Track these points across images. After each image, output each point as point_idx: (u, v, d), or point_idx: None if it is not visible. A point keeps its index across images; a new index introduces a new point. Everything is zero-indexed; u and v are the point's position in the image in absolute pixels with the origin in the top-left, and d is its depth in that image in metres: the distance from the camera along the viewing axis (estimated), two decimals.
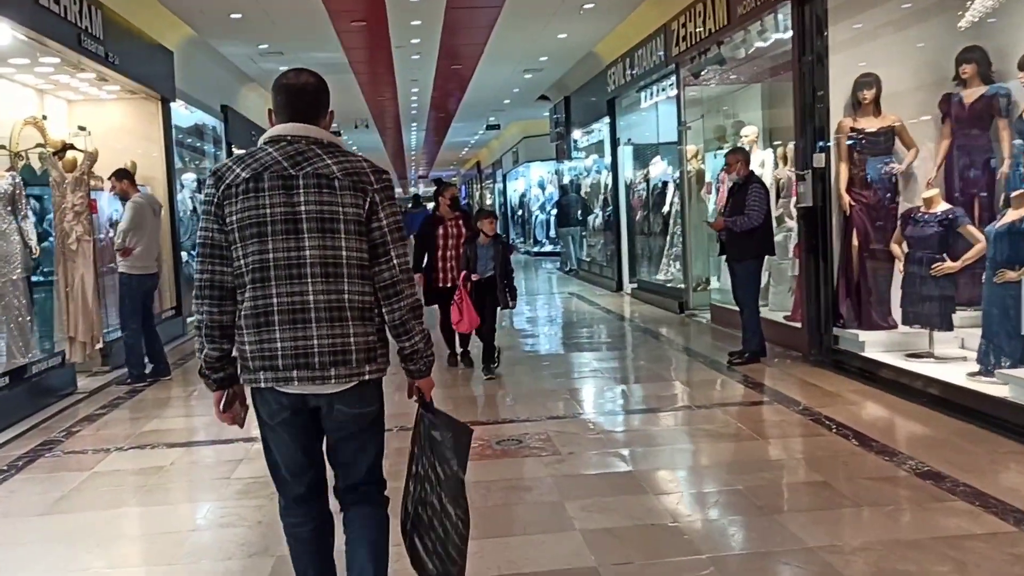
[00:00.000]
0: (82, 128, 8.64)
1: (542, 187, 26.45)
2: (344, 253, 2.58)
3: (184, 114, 12.48)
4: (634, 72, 12.56)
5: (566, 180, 18.81)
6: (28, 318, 7.35)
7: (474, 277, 7.42)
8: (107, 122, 10.27)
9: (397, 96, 18.38)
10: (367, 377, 2.61)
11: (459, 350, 8.21)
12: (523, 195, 28.19)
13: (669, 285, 12.02)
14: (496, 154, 33.75)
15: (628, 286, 14.11)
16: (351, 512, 2.78)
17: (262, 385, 2.60)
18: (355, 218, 2.58)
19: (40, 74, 9.06)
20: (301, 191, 2.56)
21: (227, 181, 2.59)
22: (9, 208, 7.29)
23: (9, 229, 7.23)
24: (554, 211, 21.16)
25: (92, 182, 9.14)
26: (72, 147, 8.42)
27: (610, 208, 15.54)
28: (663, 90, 12.13)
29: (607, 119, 14.66)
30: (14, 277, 7.22)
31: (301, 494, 2.77)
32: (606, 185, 15.85)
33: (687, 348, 8.97)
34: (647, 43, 11.87)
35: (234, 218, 2.56)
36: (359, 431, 2.70)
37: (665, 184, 12.83)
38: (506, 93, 18.71)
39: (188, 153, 13.31)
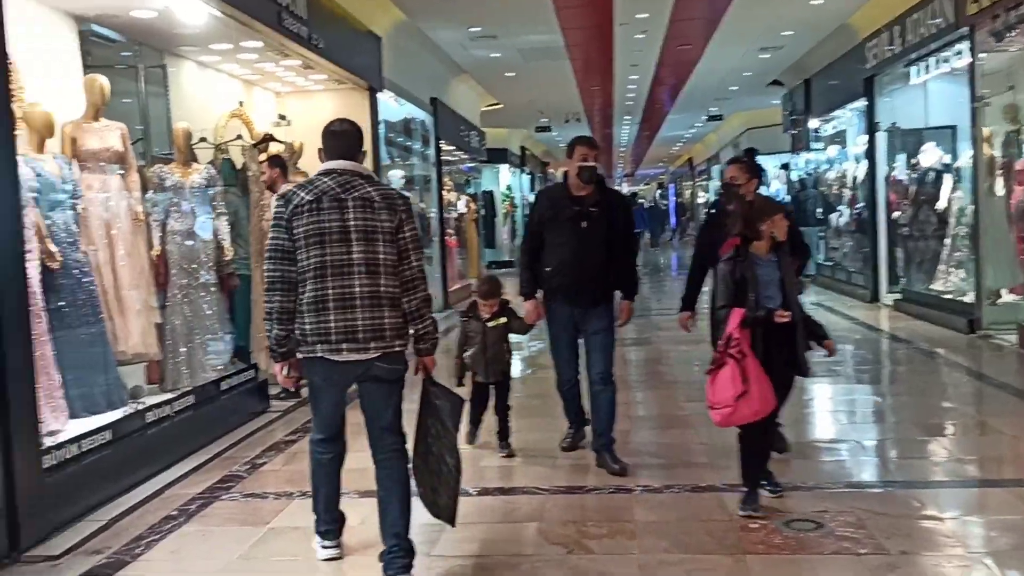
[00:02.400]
0: (282, 117, 7.90)
1: (766, 183, 24.31)
2: (380, 256, 3.48)
3: (392, 107, 11.71)
4: (905, 42, 10.50)
5: (799, 174, 16.70)
6: (219, 327, 6.59)
7: (781, 317, 4.05)
8: (315, 115, 9.57)
9: (613, 85, 17.04)
10: (396, 348, 3.52)
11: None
12: None
13: (949, 297, 9.91)
14: (712, 148, 31.67)
15: (887, 296, 12.01)
16: (383, 470, 3.62)
17: (318, 355, 3.47)
18: (388, 231, 3.51)
19: (244, 62, 8.42)
20: (350, 210, 3.47)
21: (294, 203, 3.49)
22: (203, 204, 6.56)
23: (201, 226, 6.49)
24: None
25: (295, 177, 8.47)
26: (272, 139, 7.68)
27: (861, 204, 13.44)
28: (944, 61, 10.04)
29: (862, 101, 12.59)
30: (204, 280, 6.47)
31: (331, 435, 3.74)
32: (855, 178, 13.76)
33: (998, 383, 6.99)
34: (924, 6, 9.83)
35: (300, 230, 3.46)
36: (388, 386, 3.57)
37: (939, 175, 10.69)
38: (734, 78, 16.89)
39: (396, 149, 12.58)
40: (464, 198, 17.33)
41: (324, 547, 3.87)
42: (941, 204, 10.59)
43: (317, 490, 3.81)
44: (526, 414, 5.99)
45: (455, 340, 5.66)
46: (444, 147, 14.73)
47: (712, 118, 21.83)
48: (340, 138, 3.67)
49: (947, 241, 10.19)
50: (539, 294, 5.14)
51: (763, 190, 18.34)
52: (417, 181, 13.44)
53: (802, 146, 16.25)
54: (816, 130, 15.65)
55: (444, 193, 14.70)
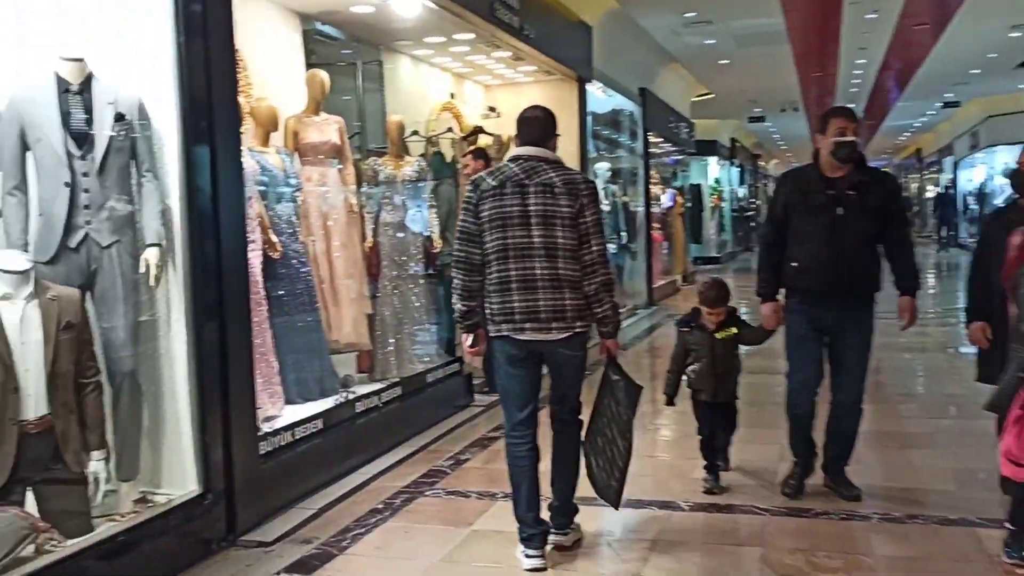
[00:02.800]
0: (492, 109, 7.85)
1: (1008, 176, 22.04)
2: (559, 241, 3.55)
3: (599, 98, 11.46)
4: None
5: None
6: (426, 319, 6.60)
7: None
8: (523, 107, 9.53)
9: (836, 71, 15.95)
10: (578, 330, 3.62)
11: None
12: (981, 186, 23.74)
13: None
14: (945, 138, 29.18)
15: None
16: (558, 438, 3.84)
17: (503, 333, 3.62)
18: (568, 215, 3.55)
19: (456, 55, 8.46)
20: (531, 195, 3.56)
21: (481, 188, 3.63)
22: (414, 196, 6.60)
23: (411, 219, 6.53)
24: None
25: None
26: (482, 131, 7.64)
27: None
28: None
29: None
30: (413, 272, 6.50)
31: (522, 419, 3.73)
32: None
33: None
34: None
35: (485, 214, 3.60)
36: (571, 368, 3.75)
37: None
38: (977, 60, 15.35)
39: (603, 141, 12.33)
40: (670, 191, 16.86)
41: (528, 556, 3.67)
42: None
43: (517, 489, 3.72)
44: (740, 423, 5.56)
45: (661, 348, 5.32)
46: (652, 139, 14.34)
47: (947, 105, 20.04)
48: (529, 124, 3.74)
49: None
50: (780, 295, 4.44)
51: (1005, 183, 16.70)
52: (624, 174, 13.14)
53: None
54: None
55: (651, 186, 14.32)
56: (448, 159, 7.77)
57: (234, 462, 4.01)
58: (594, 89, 10.82)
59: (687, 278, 17.55)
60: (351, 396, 5.44)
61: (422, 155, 7.30)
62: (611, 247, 12.11)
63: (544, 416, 3.84)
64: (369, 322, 6.29)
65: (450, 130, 7.65)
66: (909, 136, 32.27)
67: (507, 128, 8.06)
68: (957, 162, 26.90)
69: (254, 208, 5.18)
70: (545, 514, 3.77)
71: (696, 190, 21.39)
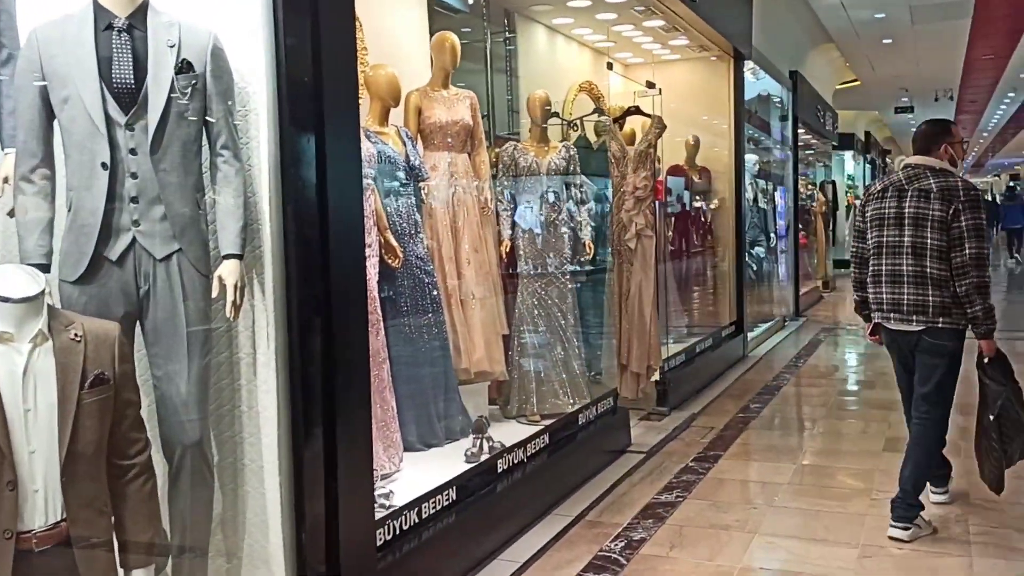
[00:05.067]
0: (651, 85, 6.49)
1: None
2: (928, 242, 3.78)
3: (748, 80, 9.95)
4: None
5: None
6: (578, 345, 5.32)
7: None
8: (670, 89, 8.14)
9: (1013, 51, 13.96)
10: (940, 325, 3.78)
11: None
12: None
13: None
14: None
15: None
16: (913, 429, 4.06)
17: (878, 320, 4.01)
18: (939, 219, 3.75)
19: (600, 24, 7.18)
20: (908, 200, 3.85)
21: (869, 191, 4.11)
22: (561, 189, 5.32)
23: (560, 218, 5.26)
24: None
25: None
26: (638, 111, 6.31)
27: None
28: None
29: None
30: (560, 284, 5.23)
31: (903, 397, 4.17)
32: None
33: None
34: None
35: (868, 214, 4.00)
36: (931, 359, 3.87)
37: None
38: None
39: (752, 129, 10.81)
40: (811, 188, 15.18)
41: (934, 491, 4.29)
42: None
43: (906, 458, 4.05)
44: None
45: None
46: (800, 132, 12.72)
47: None
48: (917, 136, 4.01)
49: None
50: None
51: None
52: (773, 167, 11.59)
53: None
54: None
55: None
56: (594, 147, 6.49)
57: (342, 563, 2.80)
58: (745, 70, 9.35)
59: (828, 284, 15.81)
60: (491, 448, 4.20)
61: (563, 140, 6.03)
62: (760, 251, 10.63)
63: None
64: (505, 345, 5.07)
65: (599, 111, 6.34)
66: None
67: (667, 110, 6.69)
68: None
69: (370, 204, 4.01)
70: (925, 496, 4.09)
71: (832, 187, 19.49)
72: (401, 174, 4.39)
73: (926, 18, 11.23)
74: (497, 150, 5.35)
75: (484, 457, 4.14)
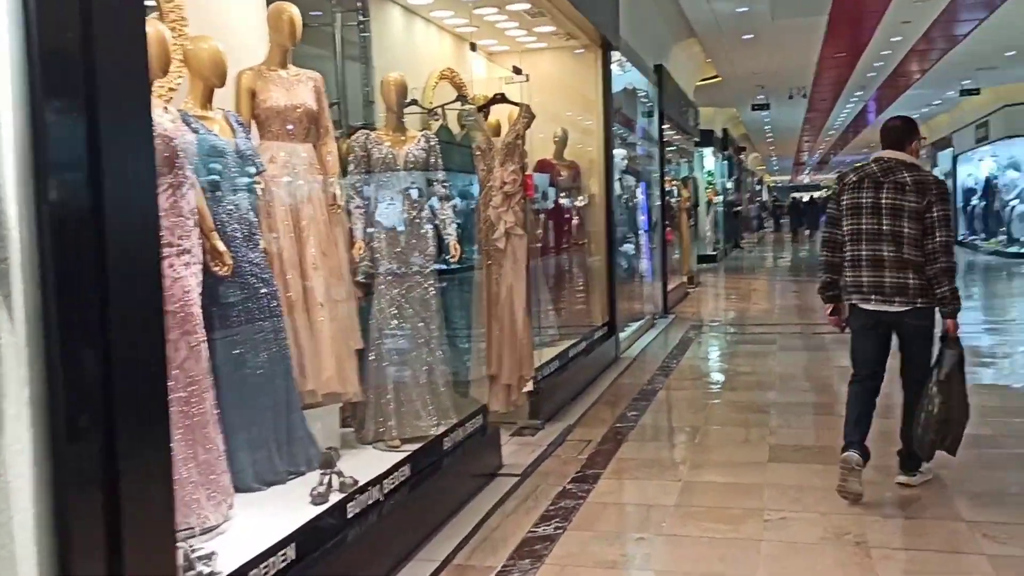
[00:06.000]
0: (518, 71, 6.00)
1: (1017, 168, 20.65)
2: (905, 230, 4.15)
3: (615, 72, 9.63)
4: None
5: None
6: (443, 357, 4.76)
7: None
8: (535, 81, 7.69)
9: (864, 50, 14.33)
10: (919, 305, 4.18)
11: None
12: (989, 180, 22.29)
13: None
14: (939, 131, 27.81)
15: None
16: (911, 394, 4.34)
17: (853, 302, 4.34)
18: (914, 210, 4.14)
19: (462, 6, 6.64)
20: (884, 190, 4.20)
21: (844, 181, 4.38)
22: (422, 185, 4.75)
23: (422, 216, 4.69)
24: None
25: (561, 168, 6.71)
26: (504, 99, 5.80)
27: None
28: None
29: None
30: (426, 284, 4.66)
31: (866, 375, 4.40)
32: None
33: None
34: None
35: (844, 203, 4.33)
36: (915, 337, 4.29)
37: None
38: (1022, 40, 13.81)
39: (618, 123, 10.52)
40: (675, 184, 15.17)
41: (844, 468, 4.25)
42: None
43: (849, 415, 4.39)
44: None
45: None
46: (664, 125, 12.60)
47: (966, 92, 18.53)
48: (889, 132, 4.34)
49: None
50: None
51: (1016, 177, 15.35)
52: (640, 162, 11.37)
53: None
54: None
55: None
56: (457, 138, 5.96)
57: None
58: (612, 63, 9.03)
59: (693, 280, 15.86)
60: (342, 485, 3.59)
61: (423, 129, 5.46)
62: (629, 247, 10.36)
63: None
64: (359, 360, 4.47)
65: (462, 100, 5.80)
66: None
67: (533, 103, 6.19)
68: (957, 156, 25.51)
69: (189, 202, 3.34)
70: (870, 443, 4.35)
71: (694, 183, 19.69)
72: (230, 167, 3.72)
73: (786, 13, 11.28)
74: (348, 140, 4.74)
75: (334, 497, 3.53)
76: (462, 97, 5.93)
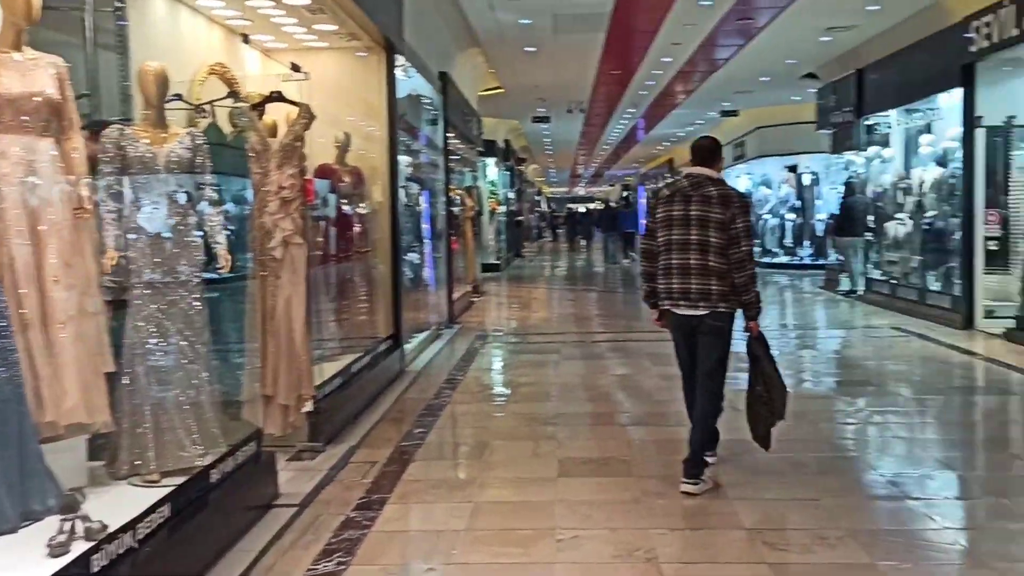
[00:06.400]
0: (296, 68, 5.60)
1: (768, 185, 22.45)
2: (711, 240, 4.48)
3: (399, 78, 9.39)
4: None
5: (851, 177, 14.73)
6: (210, 377, 4.29)
7: None
8: (314, 80, 7.28)
9: (638, 68, 14.98)
10: (720, 309, 4.53)
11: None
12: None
13: None
14: None
15: (981, 322, 10.13)
16: (698, 401, 4.69)
17: (666, 307, 4.67)
18: (719, 220, 4.46)
19: None
20: (693, 204, 4.52)
21: (658, 195, 4.73)
22: (191, 188, 4.26)
23: (187, 223, 4.21)
24: (826, 217, 16.73)
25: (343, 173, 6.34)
26: (282, 97, 5.40)
27: (932, 213, 11.59)
28: None
29: (953, 91, 10.69)
30: (191, 298, 4.18)
31: (685, 373, 4.78)
32: (922, 183, 11.88)
33: None
34: None
35: (659, 216, 4.64)
36: (711, 336, 4.60)
37: None
38: (775, 67, 14.97)
39: (401, 130, 10.28)
40: (460, 193, 15.15)
41: (683, 481, 4.58)
42: None
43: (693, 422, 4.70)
44: None
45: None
46: (449, 133, 12.50)
47: (726, 113, 19.88)
48: (700, 150, 4.70)
49: None
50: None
51: (786, 192, 16.71)
52: (425, 170, 11.18)
53: (852, 145, 14.30)
54: (873, 127, 13.76)
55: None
56: (228, 138, 5.49)
57: None
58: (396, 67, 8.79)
59: (477, 289, 15.90)
60: (87, 532, 3.09)
61: (190, 127, 4.94)
62: (414, 256, 10.15)
63: None
64: (110, 385, 3.93)
65: (234, 96, 5.34)
66: (669, 146, 32.83)
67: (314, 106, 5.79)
68: None
69: None
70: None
71: (476, 193, 19.81)
72: None
73: (567, 28, 11.52)
74: (102, 139, 4.17)
75: (77, 547, 3.03)
76: (234, 94, 5.46)
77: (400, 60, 8.88)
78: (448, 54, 12.14)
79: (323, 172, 7.24)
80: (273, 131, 5.66)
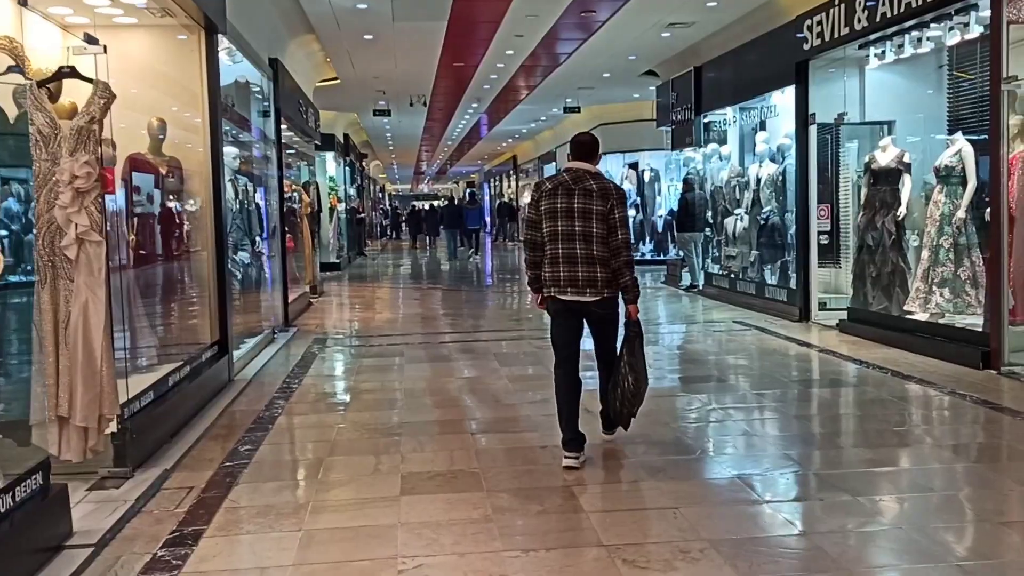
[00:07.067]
0: (92, 40, 4.87)
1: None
2: (594, 230, 4.79)
3: (224, 63, 8.65)
4: (864, 19, 8.82)
5: (688, 173, 14.98)
6: None
7: None
8: (123, 62, 6.49)
9: (481, 61, 14.66)
10: (606, 295, 4.87)
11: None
12: None
13: (944, 323, 8.31)
14: (545, 146, 30.04)
15: (816, 314, 10.43)
16: (603, 373, 5.12)
17: (552, 294, 4.93)
18: (600, 212, 4.78)
19: None
20: (575, 196, 4.81)
21: (542, 189, 4.94)
22: None
23: None
24: (666, 213, 16.97)
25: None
26: (75, 73, 4.68)
27: (768, 208, 11.88)
28: (919, 43, 8.47)
29: (787, 89, 10.95)
30: None
31: (565, 357, 5.00)
32: (759, 179, 12.17)
33: None
34: None
35: (543, 208, 4.88)
36: (605, 323, 5.06)
37: (897, 175, 9.13)
38: (616, 63, 15.00)
39: (227, 119, 9.52)
40: (296, 189, 14.39)
41: (567, 456, 4.88)
42: (901, 211, 9.06)
43: (561, 408, 4.97)
44: None
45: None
46: (282, 125, 11.76)
47: (569, 109, 19.92)
48: (580, 146, 4.99)
49: (925, 255, 8.61)
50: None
51: (627, 189, 16.73)
52: (256, 164, 10.44)
53: (691, 142, 14.53)
54: (714, 123, 14.01)
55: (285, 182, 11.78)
56: (10, 120, 4.73)
57: None
58: (219, 50, 8.09)
59: (316, 289, 15.17)
60: None
61: None
62: (244, 256, 9.43)
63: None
64: None
65: (17, 71, 4.58)
66: (512, 142, 32.87)
67: (124, 94, 5.08)
68: (560, 169, 27.53)
69: None
70: (583, 427, 4.99)
71: (316, 189, 18.98)
72: None
73: (406, 15, 11.03)
74: None
75: None
76: (16, 68, 4.69)
77: (224, 43, 8.19)
78: (279, 39, 11.42)
79: (134, 163, 6.49)
80: (72, 113, 4.93)
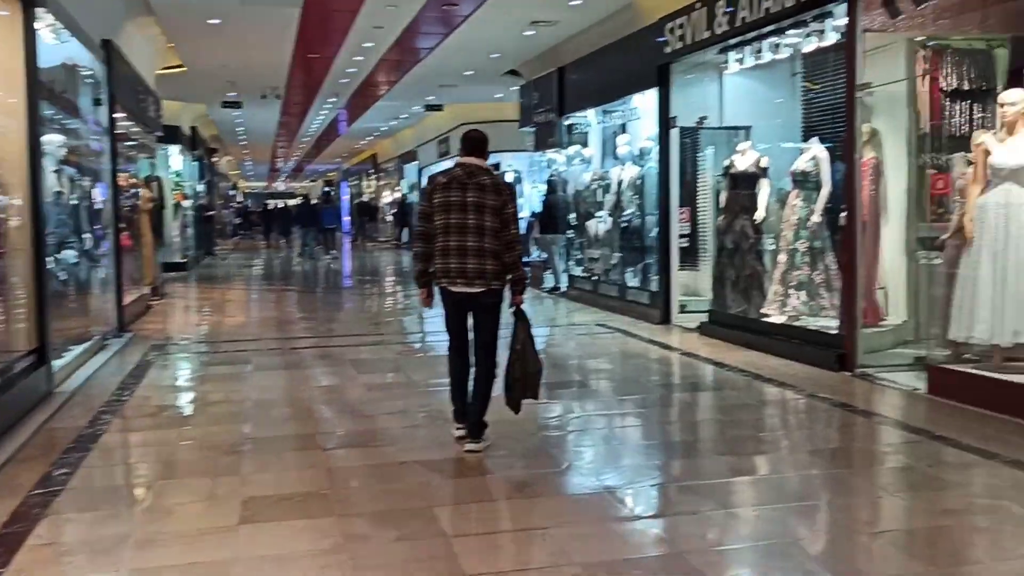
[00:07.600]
0: None
1: None
2: (486, 224, 4.98)
3: (48, 41, 7.78)
4: (724, 24, 8.86)
5: (552, 175, 14.85)
6: None
7: None
8: None
9: (338, 52, 14.05)
10: (494, 286, 5.05)
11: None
12: None
13: (799, 325, 8.40)
14: (406, 145, 29.53)
15: (679, 317, 10.47)
16: (478, 373, 5.20)
17: (443, 285, 5.09)
18: (493, 206, 4.98)
19: None
20: (469, 191, 4.97)
21: (436, 182, 5.09)
22: None
23: None
24: (528, 215, 16.72)
25: None
26: None
27: (630, 211, 11.88)
28: (776, 48, 8.56)
29: (648, 92, 10.94)
30: None
31: (457, 345, 5.26)
32: (620, 182, 12.15)
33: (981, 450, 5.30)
34: None
35: (436, 201, 5.03)
36: (487, 313, 5.14)
37: (755, 179, 9.23)
38: (479, 61, 14.71)
39: (55, 104, 8.60)
40: (135, 182, 13.36)
41: (457, 428, 5.30)
42: (759, 215, 9.16)
43: (453, 385, 5.32)
44: None
45: None
46: (118, 113, 10.81)
47: (431, 108, 19.50)
48: (472, 141, 5.16)
49: (781, 258, 8.71)
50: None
51: None
52: (86, 155, 9.52)
53: (553, 143, 14.40)
54: (575, 126, 13.93)
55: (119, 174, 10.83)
56: None
57: None
58: (40, 27, 7.28)
59: (158, 291, 14.16)
60: None
61: None
62: (70, 255, 8.56)
63: None
64: None
65: None
66: (372, 140, 32.17)
67: None
68: (422, 169, 27.17)
69: None
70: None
71: (159, 183, 17.79)
72: None
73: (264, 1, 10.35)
74: None
75: None
76: None
77: (48, 18, 7.38)
78: (114, 20, 10.49)
79: None
80: None
